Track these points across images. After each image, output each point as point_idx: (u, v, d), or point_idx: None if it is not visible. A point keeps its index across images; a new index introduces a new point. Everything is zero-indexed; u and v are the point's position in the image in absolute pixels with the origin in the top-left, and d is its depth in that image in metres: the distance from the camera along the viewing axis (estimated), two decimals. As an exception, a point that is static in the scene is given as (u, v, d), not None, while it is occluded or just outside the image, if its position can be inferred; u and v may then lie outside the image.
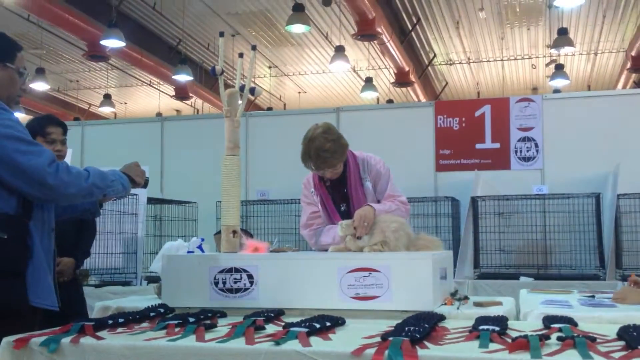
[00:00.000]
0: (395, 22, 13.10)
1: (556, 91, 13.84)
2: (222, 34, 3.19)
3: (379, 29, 11.40)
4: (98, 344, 2.01)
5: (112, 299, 4.22)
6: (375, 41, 12.20)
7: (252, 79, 3.17)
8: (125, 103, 19.42)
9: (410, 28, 13.69)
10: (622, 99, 6.65)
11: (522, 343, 1.77)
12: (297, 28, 10.95)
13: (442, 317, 2.32)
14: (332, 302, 2.56)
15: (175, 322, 2.24)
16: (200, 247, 3.59)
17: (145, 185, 2.79)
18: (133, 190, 2.81)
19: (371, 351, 1.79)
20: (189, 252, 3.49)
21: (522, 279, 5.53)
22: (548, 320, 2.18)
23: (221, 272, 2.70)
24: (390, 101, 17.27)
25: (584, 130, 6.29)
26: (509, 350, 1.76)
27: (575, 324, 2.12)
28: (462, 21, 13.40)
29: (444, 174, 6.62)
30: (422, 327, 1.98)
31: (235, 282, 2.68)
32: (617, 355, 1.71)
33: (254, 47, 3.37)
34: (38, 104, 16.82)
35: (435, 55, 15.57)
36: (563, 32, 11.59)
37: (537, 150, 6.39)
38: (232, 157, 2.96)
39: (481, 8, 12.50)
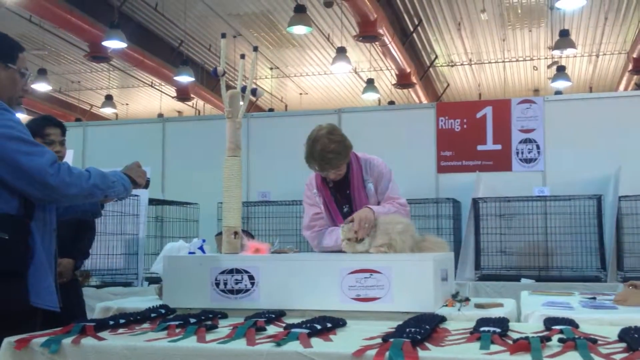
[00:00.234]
0: (396, 23, 13.11)
1: (558, 93, 13.84)
2: (223, 35, 3.19)
3: (380, 31, 11.40)
4: (99, 344, 2.01)
5: (113, 299, 4.22)
6: (376, 42, 12.21)
7: (254, 80, 3.18)
8: (127, 104, 19.44)
9: (411, 29, 13.70)
10: (623, 100, 6.64)
11: (523, 345, 1.77)
12: (299, 29, 10.97)
13: (443, 319, 2.32)
14: (333, 304, 2.56)
15: (176, 323, 2.24)
16: (201, 248, 3.59)
17: (146, 186, 2.79)
18: (134, 191, 2.81)
19: (372, 352, 1.79)
20: (190, 253, 3.49)
21: (523, 280, 5.53)
22: (549, 322, 2.17)
23: (222, 273, 2.70)
24: (391, 102, 17.28)
25: (586, 132, 6.28)
26: (510, 352, 1.75)
27: (576, 326, 2.12)
28: (464, 22, 13.40)
29: (445, 175, 6.61)
30: (423, 328, 1.98)
31: (237, 283, 2.68)
32: (618, 357, 1.70)
33: (255, 49, 3.38)
34: (40, 105, 16.85)
35: (436, 57, 15.58)
36: (565, 33, 11.59)
37: (538, 152, 6.39)
38: (234, 158, 2.96)
39: (483, 9, 12.51)
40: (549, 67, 15.01)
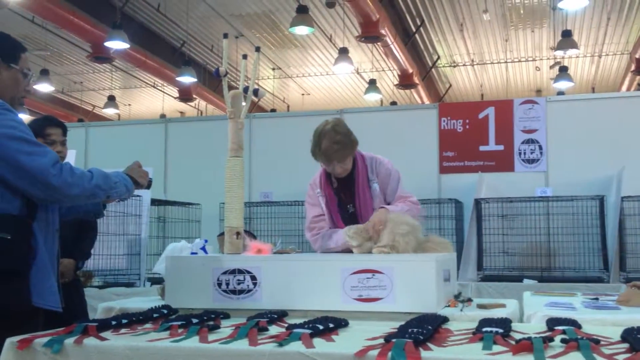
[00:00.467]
0: (399, 24, 13.11)
1: (560, 93, 13.83)
2: (226, 36, 3.19)
3: (382, 31, 11.41)
4: (101, 344, 2.02)
5: (115, 300, 4.22)
6: (379, 43, 12.21)
7: (256, 81, 3.18)
8: (129, 105, 19.46)
9: (414, 30, 13.69)
10: (626, 101, 6.63)
11: (525, 345, 1.77)
12: (301, 30, 10.97)
13: (445, 319, 2.32)
14: (336, 304, 2.56)
15: (179, 323, 2.24)
16: (203, 249, 3.59)
17: (148, 187, 2.79)
18: (136, 192, 2.81)
19: (374, 353, 1.78)
20: (192, 253, 3.49)
21: (526, 281, 5.52)
22: (552, 323, 2.17)
23: (224, 273, 2.69)
24: (394, 103, 17.29)
25: (588, 133, 6.28)
26: (512, 353, 1.75)
27: (579, 326, 2.11)
28: (466, 23, 13.40)
29: (447, 176, 6.61)
30: (426, 328, 1.98)
31: (239, 284, 2.67)
32: (621, 357, 1.70)
33: (257, 49, 3.38)
34: (42, 106, 16.87)
35: (439, 57, 15.58)
36: (567, 34, 11.59)
37: (541, 153, 6.38)
38: (236, 158, 2.96)
39: (485, 10, 12.50)
40: (551, 67, 15.00)
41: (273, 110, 17.96)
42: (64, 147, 3.59)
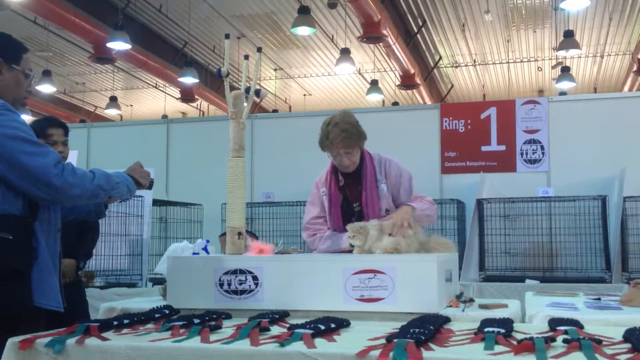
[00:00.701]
0: (400, 24, 13.11)
1: (562, 93, 13.80)
2: (227, 36, 3.19)
3: (384, 32, 11.41)
4: (103, 344, 2.02)
5: (117, 300, 4.23)
6: (380, 43, 12.21)
7: (258, 81, 3.18)
8: (131, 105, 19.47)
9: (415, 30, 13.70)
10: (628, 101, 6.62)
11: (527, 345, 1.76)
12: (303, 30, 10.97)
13: (447, 319, 2.32)
14: (337, 304, 2.56)
15: (180, 323, 2.24)
16: (205, 249, 3.60)
17: (150, 187, 2.79)
18: (138, 192, 2.81)
19: (376, 353, 1.78)
20: (194, 253, 3.49)
21: (528, 281, 5.52)
22: (554, 323, 2.17)
23: (226, 273, 2.70)
24: (395, 103, 17.28)
25: (590, 133, 6.27)
26: (514, 353, 1.75)
27: (581, 327, 2.11)
28: (468, 23, 13.40)
29: (449, 176, 6.61)
30: (427, 329, 1.98)
31: (240, 284, 2.67)
32: (623, 357, 1.70)
33: (259, 49, 3.38)
34: (44, 106, 16.89)
35: (440, 58, 15.57)
36: (569, 34, 11.58)
37: (542, 153, 6.38)
38: (238, 159, 2.96)
39: (487, 10, 12.50)
40: (553, 67, 14.99)
41: (275, 111, 17.97)
42: (66, 148, 3.59)
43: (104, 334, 2.13)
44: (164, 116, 17.77)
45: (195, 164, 7.17)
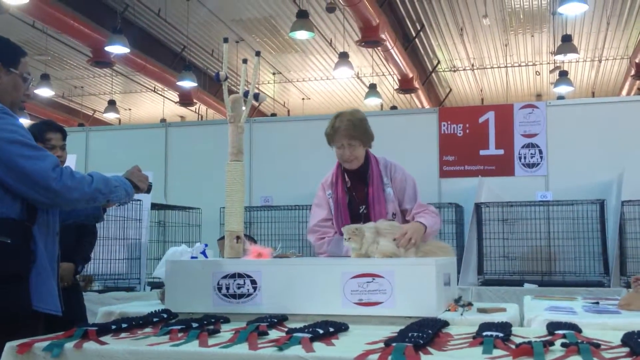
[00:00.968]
0: (399, 28, 13.13)
1: (560, 98, 13.83)
2: (226, 40, 3.20)
3: (383, 36, 11.42)
4: (101, 349, 2.01)
5: (115, 304, 4.22)
6: (379, 48, 12.23)
7: (256, 85, 3.18)
8: (130, 109, 19.47)
9: (414, 34, 13.72)
10: (626, 105, 6.64)
11: (525, 349, 1.77)
12: (301, 34, 10.98)
13: (445, 323, 2.32)
14: (336, 308, 2.56)
15: (179, 327, 2.23)
16: (203, 253, 3.59)
17: (148, 191, 2.79)
18: (137, 196, 2.82)
19: (374, 357, 1.78)
20: (192, 257, 3.49)
21: (526, 285, 5.52)
22: (552, 327, 2.17)
23: (224, 277, 2.69)
24: (394, 107, 17.28)
25: (588, 137, 6.28)
26: (512, 357, 1.75)
27: (579, 331, 2.11)
28: (466, 28, 13.42)
29: (447, 180, 6.61)
30: (426, 333, 1.97)
31: (239, 288, 2.67)
32: (621, 361, 1.70)
33: (258, 54, 3.39)
34: (43, 110, 16.88)
35: (439, 62, 15.60)
36: (567, 39, 11.60)
37: (541, 157, 6.39)
38: (236, 162, 2.96)
39: (485, 15, 12.52)
40: (551, 72, 15.01)
41: (273, 115, 17.98)
42: (64, 152, 3.60)
43: (102, 338, 2.12)
44: (163, 120, 17.78)
45: (194, 167, 7.17)
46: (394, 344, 1.84)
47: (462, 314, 2.62)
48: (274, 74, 16.35)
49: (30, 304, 2.36)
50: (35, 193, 2.34)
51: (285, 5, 12.21)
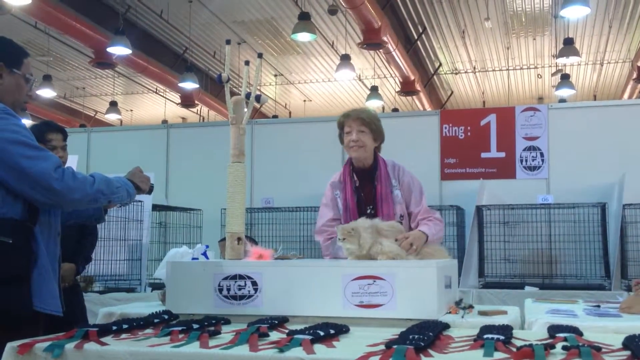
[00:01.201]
0: (401, 31, 13.13)
1: (562, 101, 13.83)
2: (228, 42, 3.20)
3: (384, 38, 11.42)
4: (102, 349, 2.01)
5: (116, 305, 4.22)
6: (380, 50, 12.23)
7: (258, 87, 3.18)
8: (131, 110, 19.49)
9: (416, 37, 13.72)
10: (628, 109, 6.63)
11: (526, 352, 1.76)
12: (303, 36, 10.99)
13: (446, 326, 2.31)
14: (336, 310, 2.56)
15: (179, 328, 2.23)
16: (204, 254, 3.59)
17: (150, 192, 2.80)
18: (138, 197, 2.82)
19: (375, 359, 1.78)
20: (193, 258, 3.49)
21: (527, 288, 5.51)
22: (553, 330, 2.17)
23: (225, 279, 2.69)
24: (395, 110, 17.30)
25: (590, 140, 6.28)
26: (513, 359, 1.75)
27: (580, 334, 2.11)
28: (468, 30, 13.42)
29: (449, 182, 6.61)
30: (427, 335, 1.97)
31: (240, 289, 2.67)
32: (622, 365, 1.70)
33: (260, 55, 3.39)
34: (44, 111, 16.90)
35: (440, 65, 15.60)
36: (569, 42, 11.60)
37: (542, 160, 6.38)
38: (238, 164, 2.96)
39: (487, 17, 12.52)
40: (553, 75, 15.02)
41: (275, 117, 17.98)
42: (65, 152, 3.60)
43: (103, 339, 2.12)
44: (164, 121, 17.78)
45: (195, 169, 7.17)
46: (395, 346, 1.84)
47: (463, 317, 2.61)
48: (275, 75, 16.36)
49: (32, 305, 2.36)
50: (37, 193, 2.34)
51: (287, 7, 12.22)
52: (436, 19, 12.94)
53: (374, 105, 15.64)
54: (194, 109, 17.98)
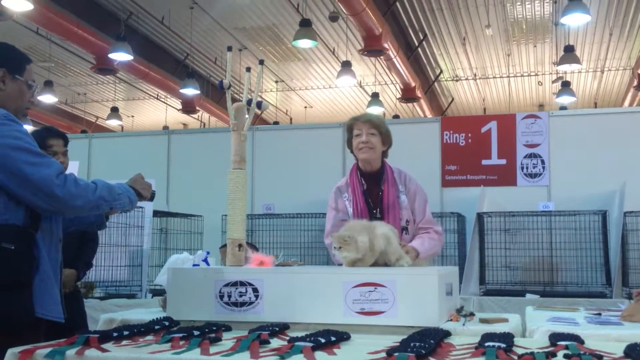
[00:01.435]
0: (401, 38, 13.16)
1: (562, 108, 13.85)
2: (230, 49, 3.20)
3: (385, 45, 11.44)
4: (103, 356, 2.01)
5: (117, 311, 4.23)
6: (381, 57, 12.25)
7: (259, 93, 3.18)
8: (133, 116, 19.51)
9: (416, 44, 13.74)
10: (628, 116, 6.64)
11: (528, 360, 1.76)
12: (304, 43, 11.02)
13: (447, 333, 2.31)
14: (337, 317, 2.55)
15: (180, 335, 2.23)
16: (205, 260, 3.59)
17: (151, 199, 2.80)
18: (139, 203, 2.82)
19: (376, 366, 1.78)
20: (194, 265, 3.49)
21: (528, 295, 5.51)
22: (554, 338, 2.16)
23: (226, 285, 2.69)
24: (396, 116, 17.31)
25: (591, 148, 6.28)
26: (515, 367, 1.75)
27: (581, 342, 2.11)
28: (469, 37, 13.45)
29: (450, 189, 6.61)
30: (428, 342, 1.97)
31: (241, 296, 2.67)
32: (624, 373, 1.69)
33: (261, 62, 3.39)
34: (46, 116, 16.92)
35: (441, 71, 15.62)
36: (569, 49, 11.62)
37: (543, 167, 6.39)
38: (239, 170, 2.96)
39: (487, 25, 12.55)
40: (553, 82, 15.04)
41: (276, 123, 18.00)
42: (66, 158, 3.60)
43: (104, 345, 2.12)
44: (165, 127, 17.80)
45: (196, 175, 7.18)
46: (396, 354, 1.83)
47: (464, 324, 2.61)
48: (276, 82, 16.38)
49: (33, 311, 2.35)
50: (39, 200, 2.34)
51: (289, 14, 12.25)
52: (437, 26, 12.97)
53: (375, 111, 15.67)
54: (195, 115, 18.00)
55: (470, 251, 5.93)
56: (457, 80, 16.24)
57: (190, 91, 13.65)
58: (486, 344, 1.99)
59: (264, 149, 7.09)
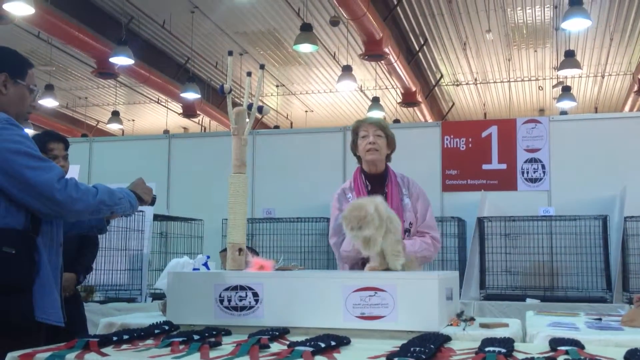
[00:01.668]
0: (402, 42, 13.18)
1: (563, 113, 13.85)
2: (230, 53, 3.21)
3: (386, 49, 11.46)
4: (102, 360, 2.01)
5: (116, 315, 4.22)
6: (382, 61, 12.27)
7: (260, 98, 3.19)
8: (133, 120, 19.53)
9: (417, 48, 13.76)
10: (629, 121, 6.64)
11: (528, 365, 1.76)
12: (305, 47, 11.03)
13: (447, 338, 2.31)
14: (337, 321, 2.55)
15: (180, 339, 2.23)
16: (205, 265, 3.59)
17: (152, 203, 2.80)
18: (140, 207, 2.82)
19: (376, 371, 1.78)
20: (194, 269, 3.49)
21: (529, 300, 5.50)
22: (555, 343, 2.16)
23: (226, 289, 2.69)
24: (397, 121, 17.32)
25: (591, 152, 6.28)
26: (515, 372, 1.75)
27: (582, 347, 2.10)
28: (469, 42, 13.46)
29: (450, 194, 6.61)
30: (428, 347, 1.97)
31: (241, 300, 2.67)
32: (624, 378, 1.69)
33: (262, 66, 3.39)
34: (47, 120, 16.94)
35: (442, 76, 15.64)
36: (570, 54, 11.63)
37: (543, 172, 6.39)
38: (239, 175, 2.96)
39: (488, 29, 12.57)
40: (554, 87, 15.05)
41: (276, 127, 18.01)
42: (66, 162, 3.60)
43: (104, 350, 2.12)
44: (166, 131, 17.82)
45: (197, 179, 7.18)
46: (396, 359, 1.83)
47: (464, 329, 2.61)
48: (277, 86, 16.40)
49: (33, 315, 2.35)
50: (40, 204, 2.34)
51: (289, 18, 12.27)
52: (437, 30, 12.99)
53: (376, 116, 15.68)
54: (196, 119, 18.01)
55: (470, 256, 5.93)
56: (457, 85, 16.25)
57: (191, 95, 13.67)
58: (486, 349, 1.99)
59: (265, 153, 7.10)
